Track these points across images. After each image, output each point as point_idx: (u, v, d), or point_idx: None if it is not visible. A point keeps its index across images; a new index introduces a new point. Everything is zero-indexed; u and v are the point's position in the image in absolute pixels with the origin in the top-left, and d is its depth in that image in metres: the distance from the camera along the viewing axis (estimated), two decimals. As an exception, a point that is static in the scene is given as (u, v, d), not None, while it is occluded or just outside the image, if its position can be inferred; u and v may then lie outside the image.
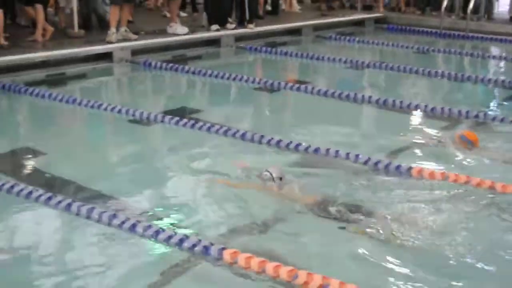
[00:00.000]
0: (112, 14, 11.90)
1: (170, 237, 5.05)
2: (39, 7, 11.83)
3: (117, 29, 11.83)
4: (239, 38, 13.49)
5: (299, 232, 5.37)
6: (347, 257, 4.95)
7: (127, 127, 8.15)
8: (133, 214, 5.55)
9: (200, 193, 6.10)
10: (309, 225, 5.48)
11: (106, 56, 11.40)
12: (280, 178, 6.02)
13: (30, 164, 6.92)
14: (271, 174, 6.01)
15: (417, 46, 13.90)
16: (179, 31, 12.84)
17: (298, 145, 7.26)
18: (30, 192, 5.80)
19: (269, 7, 16.44)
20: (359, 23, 16.48)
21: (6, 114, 9.06)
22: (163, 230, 5.17)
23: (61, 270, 4.76)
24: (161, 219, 5.50)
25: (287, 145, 7.32)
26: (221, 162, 6.81)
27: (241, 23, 13.90)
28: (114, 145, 7.79)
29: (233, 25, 13.62)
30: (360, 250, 4.97)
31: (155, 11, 16.01)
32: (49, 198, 5.69)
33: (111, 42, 11.59)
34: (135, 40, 12.06)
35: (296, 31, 14.82)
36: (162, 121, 8.17)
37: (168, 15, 15.15)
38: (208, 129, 7.82)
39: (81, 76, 10.81)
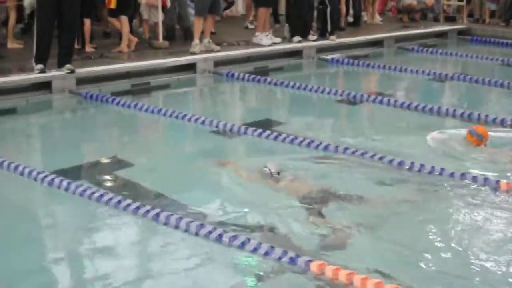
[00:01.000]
0: (196, 25, 12.07)
1: (256, 248, 5.09)
2: (124, 19, 12.11)
3: (201, 40, 12.00)
4: (320, 50, 13.49)
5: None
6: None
7: (209, 137, 8.24)
8: (217, 224, 5.60)
9: (283, 205, 6.11)
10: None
11: (190, 67, 11.55)
12: (278, 173, 6.47)
13: (116, 173, 7.02)
14: (269, 170, 6.46)
15: (501, 58, 13.63)
16: (264, 42, 12.93)
17: (382, 157, 7.22)
18: (119, 201, 5.92)
19: (350, 19, 16.39)
20: (442, 34, 16.25)
21: (93, 123, 9.27)
22: (249, 240, 5.20)
23: (145, 275, 4.88)
24: (246, 229, 5.54)
25: (372, 156, 7.28)
26: (303, 175, 6.82)
27: (323, 34, 13.91)
28: (196, 156, 7.83)
29: (315, 37, 13.65)
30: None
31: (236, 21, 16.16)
32: (137, 208, 5.80)
33: (194, 53, 11.76)
34: (218, 51, 12.21)
35: (378, 43, 14.73)
36: (245, 133, 8.23)
37: (250, 26, 15.30)
38: (291, 141, 7.84)
39: (165, 87, 11.00)
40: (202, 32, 12.09)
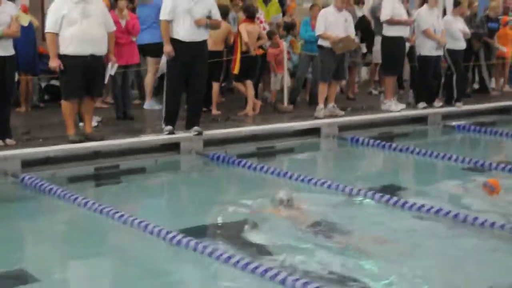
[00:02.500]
0: (321, 90, 12.18)
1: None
2: (249, 83, 12.37)
3: (325, 105, 12.08)
4: (446, 116, 13.31)
5: None
6: None
7: (333, 200, 8.18)
8: None
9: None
10: None
11: (314, 131, 11.62)
12: (288, 200, 7.27)
13: (242, 235, 7.04)
14: (281, 197, 7.30)
15: None
16: (393, 108, 12.89)
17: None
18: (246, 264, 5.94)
19: (476, 86, 16.13)
20: None
21: (220, 184, 9.40)
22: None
23: None
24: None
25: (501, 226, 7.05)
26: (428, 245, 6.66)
27: (448, 101, 13.73)
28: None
29: (440, 103, 13.49)
30: None
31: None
32: (265, 270, 5.79)
33: (319, 118, 11.83)
34: (342, 116, 12.23)
35: (505, 110, 14.36)
36: (372, 198, 8.14)
37: (374, 92, 15.31)
38: (418, 209, 7.69)
39: (289, 150, 11.09)
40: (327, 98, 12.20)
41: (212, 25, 10.35)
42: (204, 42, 10.31)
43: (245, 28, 12.23)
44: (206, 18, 10.13)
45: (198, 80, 10.31)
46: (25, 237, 7.12)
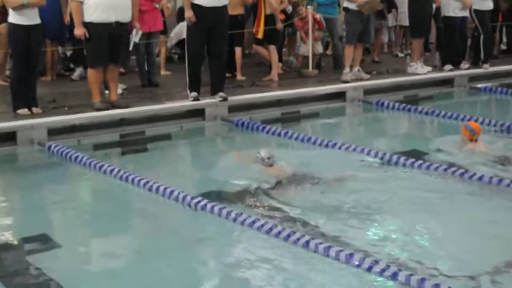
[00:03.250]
0: (347, 53, 12.12)
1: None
2: (272, 48, 12.32)
3: (351, 68, 12.02)
4: (473, 78, 13.19)
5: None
6: None
7: (359, 166, 8.17)
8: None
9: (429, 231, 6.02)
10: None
11: (339, 96, 11.59)
12: (269, 158, 7.55)
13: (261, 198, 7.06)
14: (261, 155, 7.56)
15: None
16: (419, 71, 12.80)
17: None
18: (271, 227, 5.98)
19: (504, 47, 15.94)
20: None
21: (244, 149, 9.36)
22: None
23: None
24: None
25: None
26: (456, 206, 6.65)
27: (475, 63, 13.59)
28: (346, 185, 7.73)
29: (467, 65, 13.36)
30: None
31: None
32: (288, 235, 5.82)
33: (346, 81, 11.78)
34: (367, 79, 12.17)
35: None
36: (396, 163, 8.11)
37: (400, 54, 15.19)
38: (445, 170, 7.66)
39: (315, 115, 11.07)
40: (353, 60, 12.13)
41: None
42: (225, 7, 10.29)
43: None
44: None
45: (220, 45, 10.30)
46: (51, 204, 7.18)
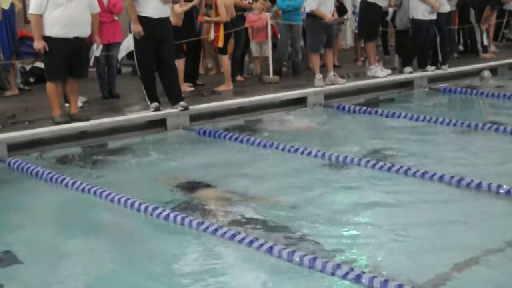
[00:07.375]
0: (314, 61, 12.24)
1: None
2: (224, 57, 12.31)
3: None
4: (432, 80, 13.34)
5: None
6: None
7: (321, 170, 8.22)
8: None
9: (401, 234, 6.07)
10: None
11: (300, 101, 11.66)
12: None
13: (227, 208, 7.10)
14: None
15: None
16: (379, 74, 12.91)
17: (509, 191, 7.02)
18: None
19: (461, 47, 16.15)
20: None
21: (208, 157, 9.36)
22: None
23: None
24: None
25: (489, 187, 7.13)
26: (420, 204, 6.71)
27: (434, 64, 13.74)
28: (311, 189, 7.79)
29: (433, 68, 13.51)
30: None
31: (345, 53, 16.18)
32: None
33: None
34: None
35: (492, 71, 14.36)
36: (358, 165, 8.17)
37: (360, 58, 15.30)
38: (405, 172, 7.74)
39: (278, 122, 11.07)
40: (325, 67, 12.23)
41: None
42: (169, 19, 10.43)
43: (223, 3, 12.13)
44: None
45: (169, 55, 10.38)
46: (13, 220, 7.09)
